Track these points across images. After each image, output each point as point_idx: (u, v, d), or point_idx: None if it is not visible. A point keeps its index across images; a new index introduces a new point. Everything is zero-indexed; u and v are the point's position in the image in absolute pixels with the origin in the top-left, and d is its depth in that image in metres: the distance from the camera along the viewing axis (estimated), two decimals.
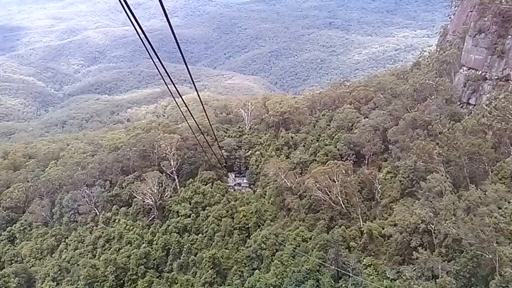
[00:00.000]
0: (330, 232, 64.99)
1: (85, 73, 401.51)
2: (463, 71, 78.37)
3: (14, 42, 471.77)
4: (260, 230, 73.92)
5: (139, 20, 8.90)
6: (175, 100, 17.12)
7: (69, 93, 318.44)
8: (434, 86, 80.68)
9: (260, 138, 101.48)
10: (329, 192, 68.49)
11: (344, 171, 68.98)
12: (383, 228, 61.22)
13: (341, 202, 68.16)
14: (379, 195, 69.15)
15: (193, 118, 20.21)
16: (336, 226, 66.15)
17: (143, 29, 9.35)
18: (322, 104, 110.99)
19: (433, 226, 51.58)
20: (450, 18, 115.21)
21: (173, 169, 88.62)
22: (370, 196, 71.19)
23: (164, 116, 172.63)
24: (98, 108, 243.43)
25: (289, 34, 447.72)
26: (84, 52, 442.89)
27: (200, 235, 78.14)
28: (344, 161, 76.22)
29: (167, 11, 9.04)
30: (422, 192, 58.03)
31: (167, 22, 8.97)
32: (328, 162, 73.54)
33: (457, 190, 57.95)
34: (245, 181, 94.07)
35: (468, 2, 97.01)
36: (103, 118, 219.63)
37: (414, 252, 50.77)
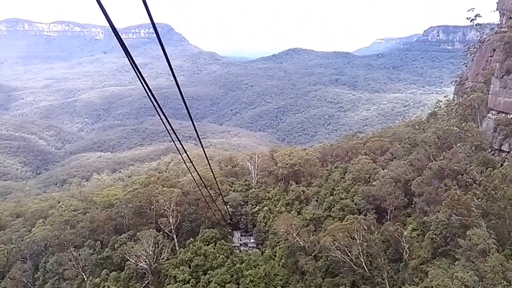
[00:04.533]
0: None
1: (89, 131, 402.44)
2: (492, 115, 71.45)
3: (19, 101, 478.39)
4: None
5: (146, 79, 8.89)
6: (180, 154, 17.06)
7: (71, 151, 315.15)
8: (459, 132, 73.51)
9: (269, 193, 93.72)
10: (349, 252, 59.61)
11: (366, 227, 60.21)
12: None
13: (363, 263, 59.04)
14: (406, 256, 59.91)
15: (196, 169, 19.81)
16: None
17: (150, 87, 9.17)
18: (334, 156, 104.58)
19: None
20: (466, 66, 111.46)
21: (172, 227, 79.99)
22: (397, 257, 61.90)
23: (166, 172, 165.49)
24: (100, 166, 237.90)
25: (295, 90, 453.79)
26: (89, 110, 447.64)
27: None
28: (365, 216, 67.69)
29: (174, 70, 9.28)
30: (461, 251, 49.02)
31: (173, 81, 9.38)
32: (347, 217, 64.97)
33: (502, 248, 48.93)
34: (252, 240, 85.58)
35: (486, 47, 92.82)
36: (104, 176, 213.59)
37: None
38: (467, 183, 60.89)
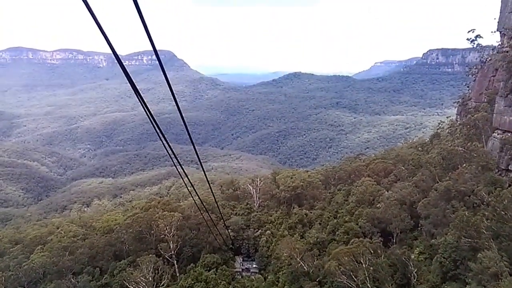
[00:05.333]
0: None
1: (91, 157, 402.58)
2: (498, 134, 70.21)
3: (22, 128, 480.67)
4: None
5: (148, 104, 9.12)
6: (181, 178, 16.93)
7: (73, 177, 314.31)
8: (464, 152, 72.32)
9: (271, 216, 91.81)
10: (355, 276, 57.60)
11: (372, 251, 58.36)
12: None
13: None
14: (415, 280, 57.85)
15: (197, 193, 22.75)
16: None
17: (152, 113, 9.61)
18: (337, 179, 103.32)
19: None
20: (468, 86, 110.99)
21: (172, 252, 77.95)
22: (404, 282, 59.69)
23: (167, 196, 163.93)
24: (101, 191, 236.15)
25: (296, 114, 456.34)
26: (91, 136, 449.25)
27: None
28: (370, 239, 65.93)
29: (175, 95, 9.75)
30: (472, 275, 47.16)
31: (175, 106, 9.98)
32: (352, 241, 63.17)
33: None
34: (254, 265, 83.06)
35: (488, 67, 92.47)
36: (105, 201, 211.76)
37: None
38: (475, 204, 59.43)
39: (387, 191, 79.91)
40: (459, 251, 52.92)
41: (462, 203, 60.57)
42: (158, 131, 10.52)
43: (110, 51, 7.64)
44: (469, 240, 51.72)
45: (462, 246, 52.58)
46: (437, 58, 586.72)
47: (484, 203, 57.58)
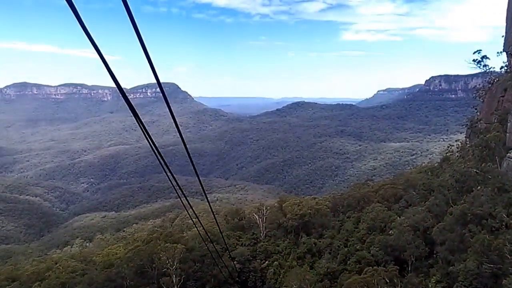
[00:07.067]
0: None
1: (94, 191, 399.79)
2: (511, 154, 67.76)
3: (24, 163, 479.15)
4: None
5: (152, 137, 9.13)
6: (186, 210, 19.16)
7: (75, 212, 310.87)
8: (478, 174, 69.52)
9: (278, 246, 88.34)
10: None
11: (387, 280, 54.85)
12: None
13: None
14: None
15: (201, 224, 20.59)
16: None
17: (156, 145, 9.48)
18: (345, 206, 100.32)
19: None
20: (475, 109, 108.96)
21: (175, 287, 74.29)
22: None
23: (170, 227, 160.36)
24: (104, 225, 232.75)
25: (301, 143, 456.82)
26: (94, 170, 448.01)
27: None
28: (384, 267, 62.40)
29: (180, 127, 9.91)
30: None
31: (179, 138, 9.96)
32: (365, 270, 59.70)
33: None
34: None
35: (497, 88, 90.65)
36: (107, 235, 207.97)
37: None
38: (493, 228, 56.30)
39: (399, 217, 77.05)
40: (481, 278, 49.60)
41: (480, 227, 57.40)
42: (162, 163, 10.19)
43: (114, 85, 7.40)
44: (491, 266, 48.57)
45: (483, 272, 49.29)
46: (440, 85, 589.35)
47: (503, 225, 54.53)
